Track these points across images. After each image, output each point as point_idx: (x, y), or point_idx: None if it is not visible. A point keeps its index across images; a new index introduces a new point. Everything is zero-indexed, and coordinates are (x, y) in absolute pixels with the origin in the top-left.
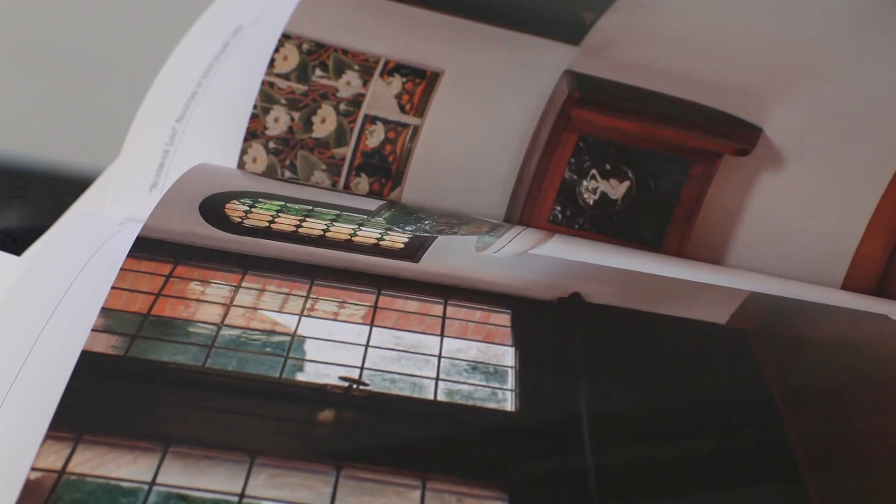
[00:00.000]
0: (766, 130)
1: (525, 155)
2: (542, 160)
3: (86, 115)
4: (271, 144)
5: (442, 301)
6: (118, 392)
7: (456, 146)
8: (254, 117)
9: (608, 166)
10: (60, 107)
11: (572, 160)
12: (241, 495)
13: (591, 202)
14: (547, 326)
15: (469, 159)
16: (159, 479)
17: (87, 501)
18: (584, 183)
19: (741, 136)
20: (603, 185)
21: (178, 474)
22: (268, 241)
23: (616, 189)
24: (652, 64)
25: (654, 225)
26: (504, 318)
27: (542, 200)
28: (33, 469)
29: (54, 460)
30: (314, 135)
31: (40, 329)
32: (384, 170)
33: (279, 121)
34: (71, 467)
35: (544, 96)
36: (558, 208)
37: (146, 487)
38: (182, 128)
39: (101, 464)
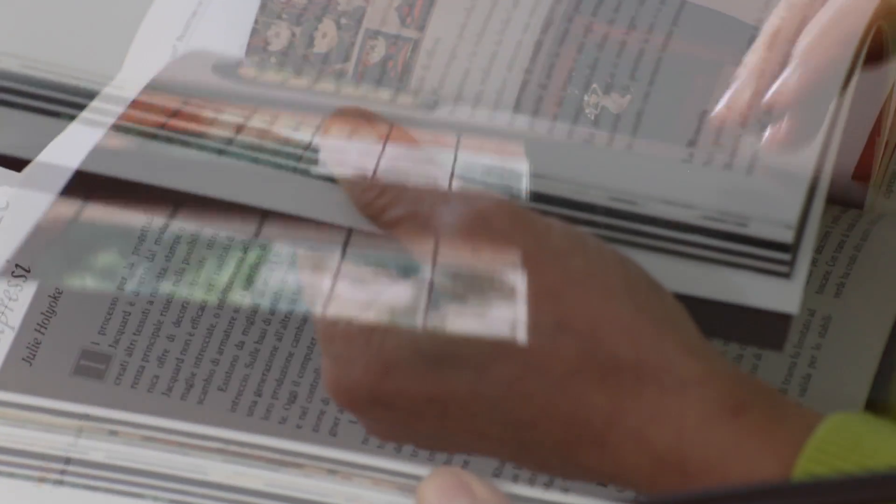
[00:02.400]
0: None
1: (527, 69)
2: (544, 74)
3: (88, 32)
4: (272, 60)
5: (457, 133)
6: (128, 169)
7: (457, 61)
8: (255, 32)
9: (609, 80)
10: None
11: (573, 73)
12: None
13: (593, 118)
14: (562, 155)
15: (470, 74)
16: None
17: (99, 242)
18: (585, 98)
19: (741, 43)
20: (604, 100)
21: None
22: (281, 92)
23: (618, 104)
24: None
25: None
26: (518, 147)
27: (544, 117)
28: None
29: (66, 210)
30: (315, 50)
31: None
32: (386, 86)
33: (280, 36)
34: (83, 218)
35: (547, 4)
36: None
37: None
38: (183, 46)
39: (112, 216)
